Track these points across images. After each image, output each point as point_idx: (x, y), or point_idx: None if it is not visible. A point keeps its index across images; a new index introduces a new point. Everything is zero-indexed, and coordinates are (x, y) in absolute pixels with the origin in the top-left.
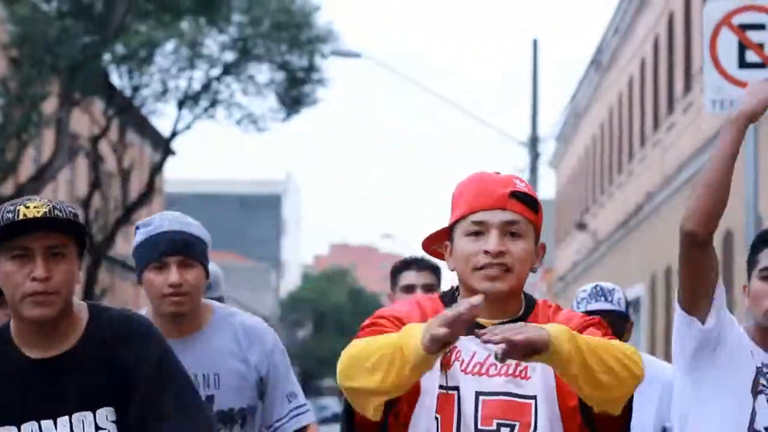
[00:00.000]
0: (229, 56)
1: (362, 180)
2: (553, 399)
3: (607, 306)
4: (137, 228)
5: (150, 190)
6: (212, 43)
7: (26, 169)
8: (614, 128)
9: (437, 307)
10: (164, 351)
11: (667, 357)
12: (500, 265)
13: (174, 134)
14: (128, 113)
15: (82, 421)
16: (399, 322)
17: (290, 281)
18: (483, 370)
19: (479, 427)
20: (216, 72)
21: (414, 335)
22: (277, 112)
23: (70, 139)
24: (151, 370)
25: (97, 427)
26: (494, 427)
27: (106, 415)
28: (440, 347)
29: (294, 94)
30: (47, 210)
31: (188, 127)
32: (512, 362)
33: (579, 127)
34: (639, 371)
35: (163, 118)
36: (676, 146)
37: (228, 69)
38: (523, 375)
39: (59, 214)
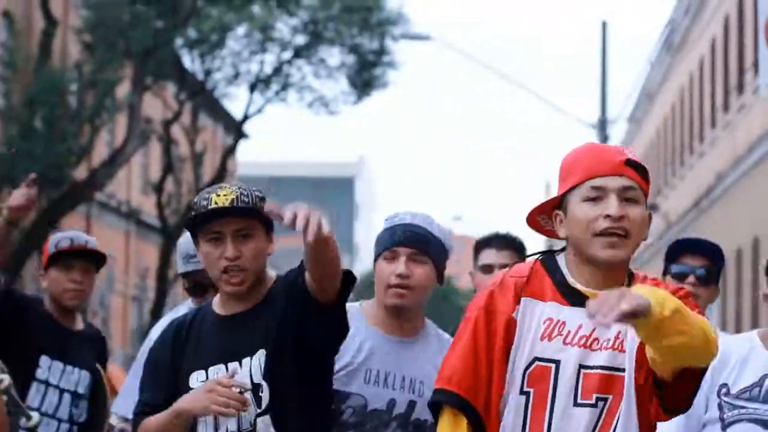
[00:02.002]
0: (300, 39)
1: (434, 162)
2: (633, 369)
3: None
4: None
5: (222, 173)
6: (283, 26)
7: (100, 153)
8: (685, 109)
9: (536, 276)
10: None
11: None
12: (620, 229)
13: (246, 117)
14: (200, 97)
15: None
16: (487, 316)
17: (364, 264)
18: (588, 343)
19: (579, 400)
20: (287, 55)
21: None
22: (348, 95)
23: (143, 123)
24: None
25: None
26: (593, 401)
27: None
28: None
29: (365, 77)
30: (234, 198)
31: (260, 110)
32: (612, 335)
33: (651, 109)
34: (715, 349)
35: (235, 101)
36: (746, 127)
37: (299, 52)
38: (620, 348)
39: (245, 199)
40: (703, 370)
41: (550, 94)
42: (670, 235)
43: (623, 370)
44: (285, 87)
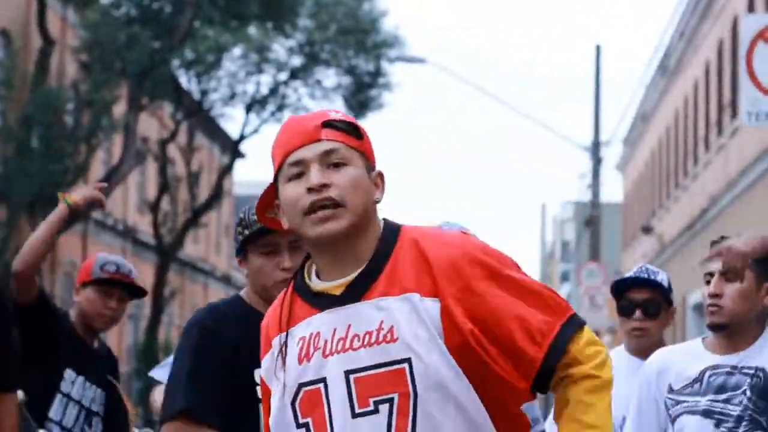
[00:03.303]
0: (297, 61)
1: (429, 183)
2: (435, 348)
3: (650, 277)
4: None
5: (219, 192)
6: (279, 47)
7: (96, 172)
8: (680, 132)
9: (280, 303)
10: None
11: None
12: (327, 199)
13: (242, 138)
14: (197, 117)
15: None
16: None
17: None
18: (347, 345)
19: (356, 411)
20: (283, 76)
21: None
22: None
23: (139, 143)
24: None
25: None
26: (372, 407)
27: None
28: None
29: (360, 98)
30: None
31: (256, 130)
32: (374, 327)
33: (646, 131)
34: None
35: (231, 122)
36: (738, 150)
37: (295, 73)
38: (389, 339)
39: None
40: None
41: (544, 116)
42: (663, 258)
43: (403, 360)
44: (281, 108)
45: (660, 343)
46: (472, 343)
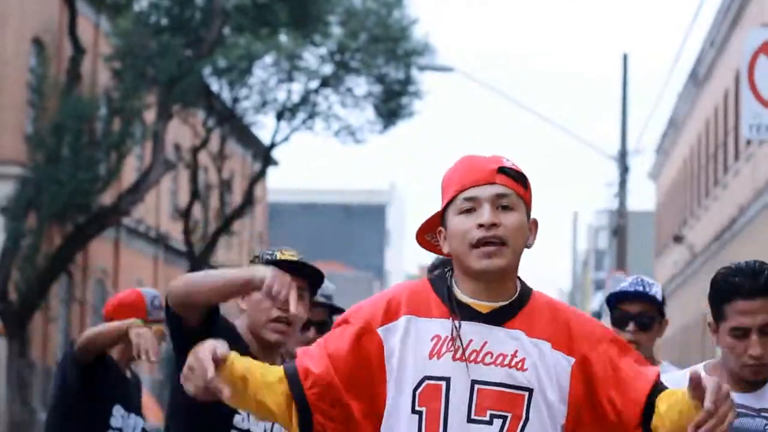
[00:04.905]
0: (327, 69)
1: None
2: (555, 391)
3: (645, 290)
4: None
5: (248, 200)
6: (310, 56)
7: (129, 179)
8: (710, 141)
9: (420, 293)
10: None
11: None
12: (495, 237)
13: (273, 145)
14: (229, 124)
15: None
16: (363, 324)
17: None
18: (479, 358)
19: (472, 416)
20: (314, 84)
21: None
22: (374, 124)
23: (172, 151)
24: None
25: None
26: (487, 418)
27: None
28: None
29: (391, 107)
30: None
31: (286, 138)
32: (509, 352)
33: (678, 139)
34: None
35: (262, 129)
36: (767, 160)
37: (326, 81)
38: (519, 366)
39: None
40: None
41: (573, 124)
42: (695, 266)
43: (526, 389)
44: (312, 116)
45: (649, 356)
46: (599, 397)
